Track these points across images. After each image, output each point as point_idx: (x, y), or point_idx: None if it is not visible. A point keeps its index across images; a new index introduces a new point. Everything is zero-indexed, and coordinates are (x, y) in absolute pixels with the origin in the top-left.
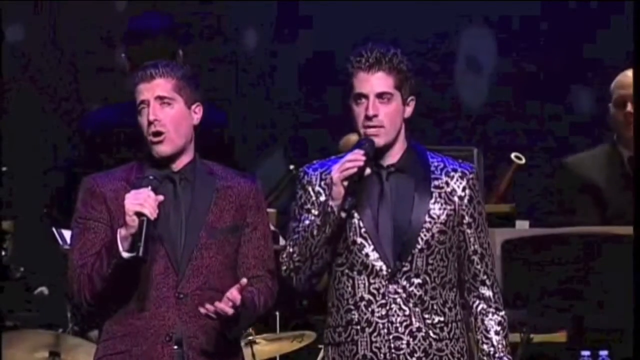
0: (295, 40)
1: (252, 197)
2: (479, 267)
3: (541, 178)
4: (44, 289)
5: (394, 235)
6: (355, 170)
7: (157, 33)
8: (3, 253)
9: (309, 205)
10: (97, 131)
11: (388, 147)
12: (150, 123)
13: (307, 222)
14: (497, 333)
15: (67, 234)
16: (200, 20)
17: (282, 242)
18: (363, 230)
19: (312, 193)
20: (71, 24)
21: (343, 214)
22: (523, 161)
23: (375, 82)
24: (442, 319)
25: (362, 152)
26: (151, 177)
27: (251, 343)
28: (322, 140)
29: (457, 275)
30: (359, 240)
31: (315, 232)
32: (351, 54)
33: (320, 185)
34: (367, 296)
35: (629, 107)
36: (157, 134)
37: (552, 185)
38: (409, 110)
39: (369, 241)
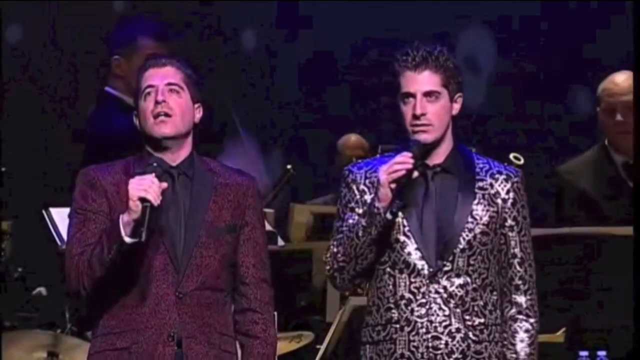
0: (295, 40)
1: (250, 196)
2: (516, 271)
3: (541, 178)
4: (42, 290)
5: (437, 235)
6: (403, 172)
7: (144, 38)
8: (2, 253)
9: (353, 204)
10: (109, 138)
11: (435, 144)
12: (157, 103)
13: (351, 221)
14: (522, 340)
15: (65, 233)
16: (200, 20)
17: (280, 242)
18: (407, 229)
19: (356, 192)
20: (71, 24)
21: (389, 216)
22: (522, 162)
23: (422, 80)
24: (482, 320)
25: (410, 154)
26: (155, 165)
27: None
28: (322, 140)
29: (498, 278)
30: (402, 238)
31: (360, 233)
32: (397, 53)
33: (365, 184)
34: (407, 295)
35: (619, 117)
36: (162, 114)
37: (551, 187)
38: (456, 107)
39: (412, 240)
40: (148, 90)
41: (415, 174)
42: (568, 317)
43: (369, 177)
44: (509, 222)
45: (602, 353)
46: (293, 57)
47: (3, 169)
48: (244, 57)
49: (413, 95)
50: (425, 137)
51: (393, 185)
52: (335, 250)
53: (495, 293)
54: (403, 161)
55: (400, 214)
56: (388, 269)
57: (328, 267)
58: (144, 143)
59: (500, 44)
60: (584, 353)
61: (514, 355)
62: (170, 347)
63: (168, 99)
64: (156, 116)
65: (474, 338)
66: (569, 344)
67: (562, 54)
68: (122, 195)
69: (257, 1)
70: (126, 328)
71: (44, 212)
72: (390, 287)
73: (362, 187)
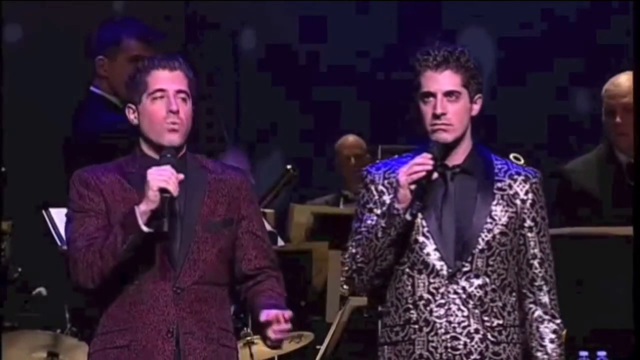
0: (296, 40)
1: (244, 189)
2: (537, 271)
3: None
4: (42, 290)
5: (456, 236)
6: (423, 174)
7: (129, 39)
8: (2, 253)
9: (371, 205)
10: (106, 135)
11: (455, 145)
12: (171, 113)
13: (369, 222)
14: (551, 341)
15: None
16: (200, 20)
17: (280, 242)
18: (426, 229)
19: (375, 192)
20: (71, 24)
21: (409, 217)
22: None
23: (443, 80)
24: (500, 322)
25: (430, 155)
26: (169, 156)
27: (249, 343)
28: (321, 140)
29: (517, 280)
30: (421, 239)
31: (379, 234)
32: (418, 52)
33: (383, 185)
34: (426, 295)
35: (618, 118)
36: (175, 124)
37: (552, 188)
38: (476, 107)
39: (431, 240)
40: (158, 94)
41: (435, 175)
42: (569, 317)
43: (388, 178)
44: (528, 222)
45: (602, 353)
46: (293, 56)
47: (3, 169)
48: (243, 57)
49: (433, 95)
50: (445, 137)
51: (412, 187)
52: (354, 251)
53: (514, 294)
54: (423, 162)
55: (419, 214)
56: (407, 270)
57: (346, 268)
58: (142, 141)
59: (500, 44)
60: (584, 353)
61: (545, 357)
62: (169, 343)
63: (180, 108)
64: (169, 124)
65: (492, 339)
66: (568, 344)
67: (562, 54)
68: (117, 195)
69: (257, 1)
70: (125, 326)
71: (44, 212)
72: (409, 287)
73: (380, 187)
